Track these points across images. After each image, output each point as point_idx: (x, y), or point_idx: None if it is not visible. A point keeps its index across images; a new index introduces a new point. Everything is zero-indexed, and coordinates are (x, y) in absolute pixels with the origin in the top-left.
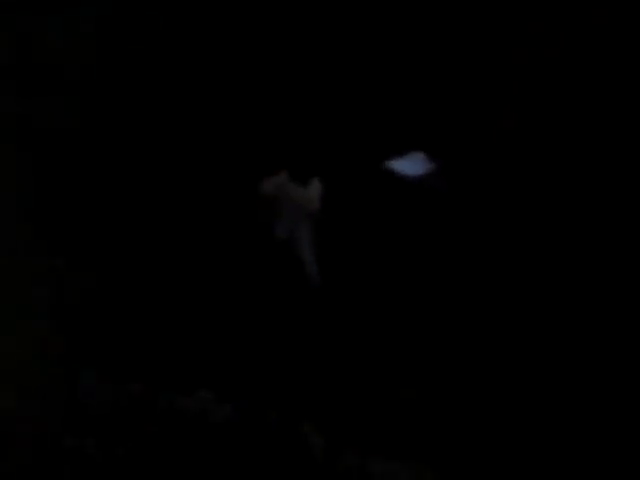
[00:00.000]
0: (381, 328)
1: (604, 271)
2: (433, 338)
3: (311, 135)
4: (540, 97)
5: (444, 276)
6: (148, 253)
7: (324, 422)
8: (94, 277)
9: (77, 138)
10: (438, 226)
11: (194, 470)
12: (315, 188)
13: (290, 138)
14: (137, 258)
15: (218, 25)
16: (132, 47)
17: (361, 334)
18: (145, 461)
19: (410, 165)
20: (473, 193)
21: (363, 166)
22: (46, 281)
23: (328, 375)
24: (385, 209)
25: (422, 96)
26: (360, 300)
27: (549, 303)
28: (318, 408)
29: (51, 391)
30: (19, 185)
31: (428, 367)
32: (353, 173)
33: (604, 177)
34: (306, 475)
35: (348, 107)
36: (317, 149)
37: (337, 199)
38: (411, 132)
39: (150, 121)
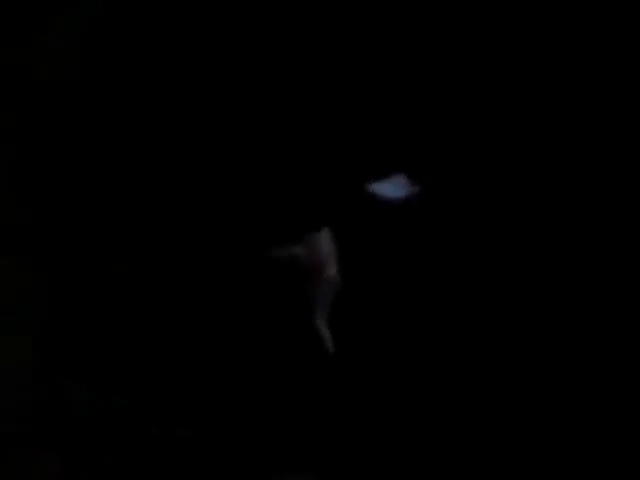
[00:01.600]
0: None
1: (586, 294)
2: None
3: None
4: (521, 120)
5: (430, 298)
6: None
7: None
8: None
9: (73, 139)
10: (420, 248)
11: None
12: (326, 237)
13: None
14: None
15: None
16: (130, 48)
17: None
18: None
19: (392, 188)
20: (455, 215)
21: (346, 190)
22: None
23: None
24: (367, 233)
25: (404, 120)
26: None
27: (532, 327)
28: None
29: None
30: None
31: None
32: (335, 197)
33: (586, 198)
34: None
35: (331, 130)
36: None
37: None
38: (393, 155)
39: (143, 130)
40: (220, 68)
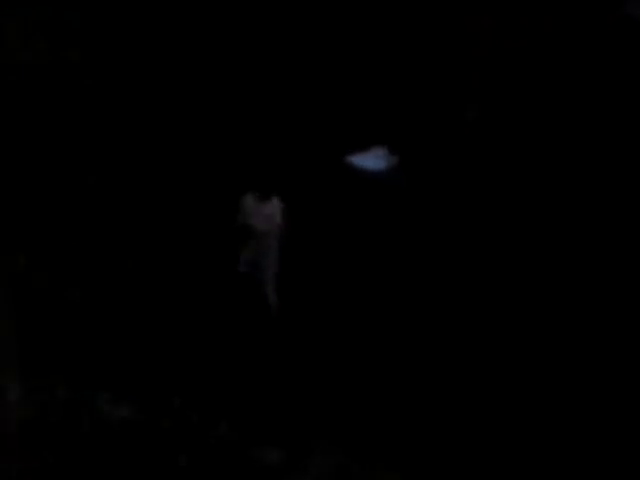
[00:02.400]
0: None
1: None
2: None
3: (272, 145)
4: (501, 90)
5: (409, 273)
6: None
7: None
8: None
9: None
10: (400, 221)
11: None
12: (275, 206)
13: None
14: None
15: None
16: (117, 48)
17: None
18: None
19: (372, 160)
20: (435, 187)
21: (326, 161)
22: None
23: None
24: (347, 204)
25: (384, 92)
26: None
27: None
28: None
29: None
30: None
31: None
32: (316, 169)
33: (567, 168)
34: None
35: (310, 102)
36: (278, 161)
37: (299, 212)
38: (373, 127)
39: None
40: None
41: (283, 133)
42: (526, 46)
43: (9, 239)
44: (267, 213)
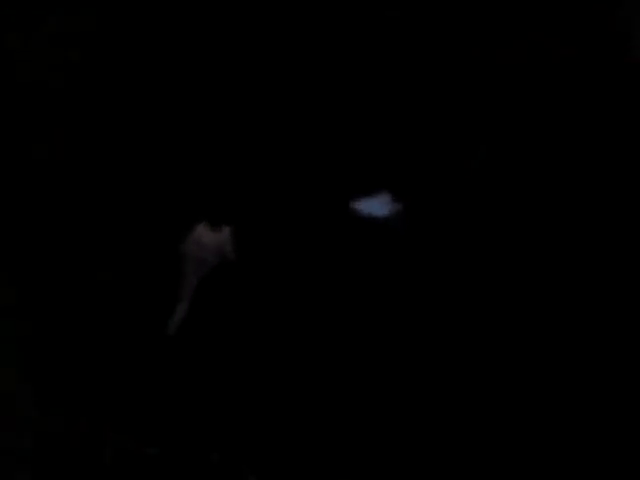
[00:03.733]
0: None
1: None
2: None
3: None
4: (507, 138)
5: (411, 315)
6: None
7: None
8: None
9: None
10: (402, 266)
11: None
12: (225, 234)
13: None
14: None
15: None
16: (114, 61)
17: None
18: None
19: (376, 206)
20: (438, 233)
21: (330, 206)
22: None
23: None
24: (350, 250)
25: (389, 138)
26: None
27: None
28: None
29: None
30: None
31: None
32: (318, 213)
33: (578, 219)
34: None
35: (318, 146)
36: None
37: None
38: (377, 173)
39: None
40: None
41: (291, 175)
42: (533, 95)
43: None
44: (217, 243)
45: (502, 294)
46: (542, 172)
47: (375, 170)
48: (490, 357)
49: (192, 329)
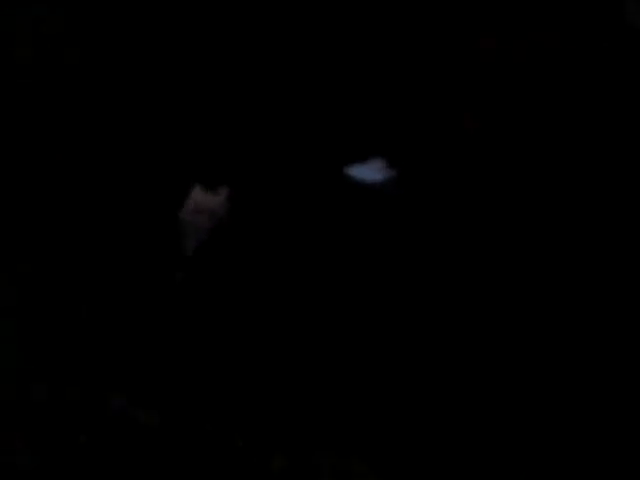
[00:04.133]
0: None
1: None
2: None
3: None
4: (502, 102)
5: (401, 285)
6: None
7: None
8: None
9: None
10: (396, 234)
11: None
12: (221, 197)
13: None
14: None
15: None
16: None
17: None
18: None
19: (369, 171)
20: (434, 200)
21: (321, 172)
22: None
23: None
24: (343, 216)
25: (382, 103)
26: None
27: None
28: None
29: None
30: None
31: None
32: (312, 178)
33: (571, 179)
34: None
35: (308, 110)
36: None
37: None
38: (370, 138)
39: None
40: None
41: (280, 139)
42: (528, 58)
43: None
44: (212, 207)
45: (498, 265)
46: (539, 136)
47: (368, 135)
48: (485, 331)
49: (192, 296)
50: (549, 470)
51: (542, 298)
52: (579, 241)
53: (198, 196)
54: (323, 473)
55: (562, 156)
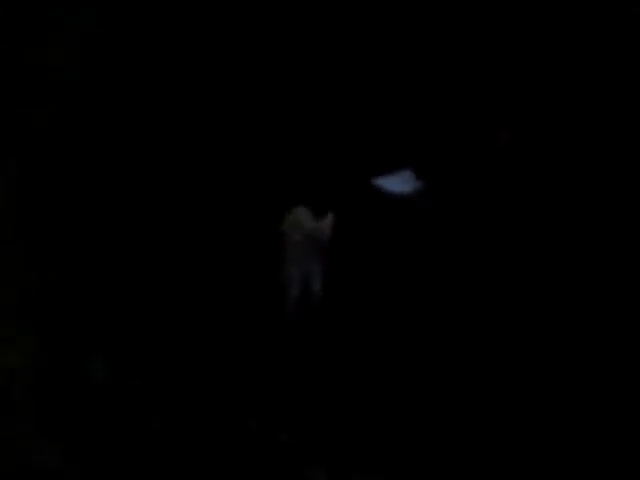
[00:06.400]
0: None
1: (587, 293)
2: (424, 356)
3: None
4: (533, 116)
5: (433, 293)
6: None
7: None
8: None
9: (70, 142)
10: (425, 244)
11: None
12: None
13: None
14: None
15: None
16: (131, 49)
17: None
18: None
19: (398, 183)
20: (462, 211)
21: (353, 184)
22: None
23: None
24: (374, 227)
25: (412, 114)
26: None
27: (538, 316)
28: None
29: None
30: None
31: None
32: (344, 191)
33: (600, 193)
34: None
35: (338, 124)
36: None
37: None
38: (400, 150)
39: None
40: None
41: (310, 155)
42: (559, 73)
43: None
44: (315, 227)
45: (524, 275)
46: (570, 151)
47: (397, 147)
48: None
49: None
50: (550, 470)
51: (571, 305)
52: (610, 252)
53: (300, 214)
54: None
55: (593, 168)
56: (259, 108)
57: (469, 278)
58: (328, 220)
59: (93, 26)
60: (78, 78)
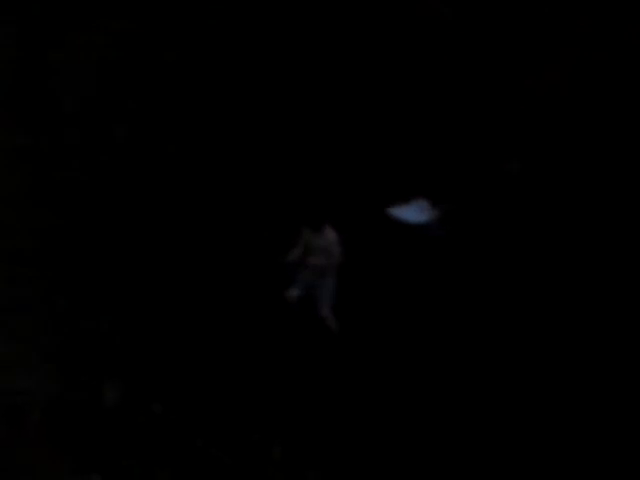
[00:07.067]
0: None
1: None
2: (437, 380)
3: (318, 185)
4: (545, 143)
5: (449, 320)
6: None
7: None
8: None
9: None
10: (441, 273)
11: None
12: (332, 237)
13: (298, 189)
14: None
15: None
16: (132, 79)
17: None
18: None
19: (413, 212)
20: (475, 240)
21: (368, 213)
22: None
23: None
24: (389, 256)
25: (426, 144)
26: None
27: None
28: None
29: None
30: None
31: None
32: (359, 220)
33: (611, 220)
34: None
35: (352, 153)
36: (326, 198)
37: (355, 248)
38: (414, 179)
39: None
40: (231, 81)
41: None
42: (570, 100)
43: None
44: (323, 246)
45: (543, 299)
46: (583, 178)
47: (412, 176)
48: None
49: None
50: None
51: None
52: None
53: (307, 236)
54: None
55: (605, 199)
56: (274, 128)
57: (481, 306)
58: (329, 237)
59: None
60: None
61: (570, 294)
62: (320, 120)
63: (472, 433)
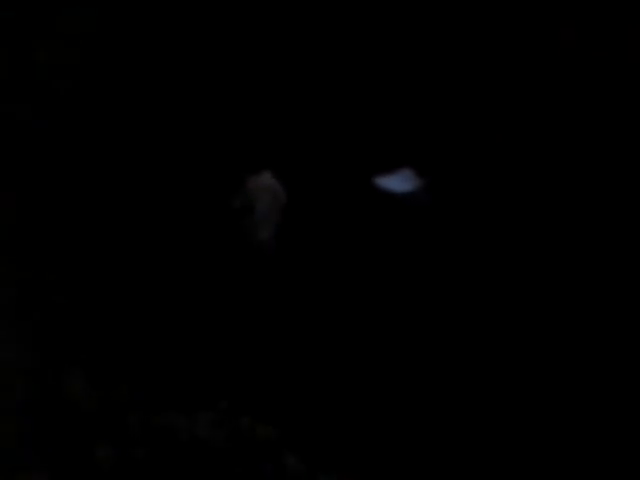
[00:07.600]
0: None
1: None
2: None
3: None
4: (531, 113)
5: (433, 293)
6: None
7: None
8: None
9: (62, 146)
10: (424, 241)
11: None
12: (274, 181)
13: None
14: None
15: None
16: (118, 61)
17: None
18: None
19: (398, 182)
20: (461, 209)
21: (352, 181)
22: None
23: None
24: (372, 225)
25: (412, 115)
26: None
27: (534, 311)
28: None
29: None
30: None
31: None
32: (342, 188)
33: (600, 193)
34: None
35: (339, 120)
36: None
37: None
38: (400, 149)
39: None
40: (220, 63)
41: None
42: (549, 70)
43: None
44: (266, 188)
45: (526, 271)
46: (569, 149)
47: (397, 145)
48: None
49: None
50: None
51: (566, 302)
52: (609, 251)
53: (255, 181)
54: None
55: (593, 167)
56: (259, 103)
57: (466, 276)
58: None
59: (92, 26)
60: (75, 77)
61: (553, 261)
62: (306, 93)
63: (457, 418)
